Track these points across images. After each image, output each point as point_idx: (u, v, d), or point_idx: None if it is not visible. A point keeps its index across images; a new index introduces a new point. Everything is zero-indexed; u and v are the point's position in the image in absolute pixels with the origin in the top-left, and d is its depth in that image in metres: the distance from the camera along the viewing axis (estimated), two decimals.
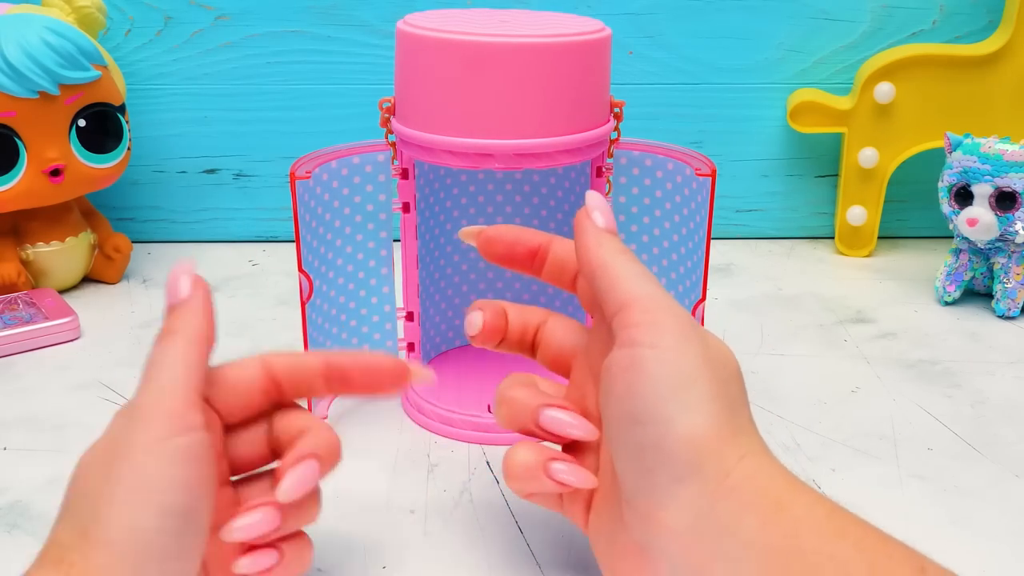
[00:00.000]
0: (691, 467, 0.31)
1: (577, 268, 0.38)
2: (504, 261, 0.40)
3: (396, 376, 0.37)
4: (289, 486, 0.34)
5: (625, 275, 0.34)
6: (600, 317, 0.36)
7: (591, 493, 0.36)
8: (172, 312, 0.35)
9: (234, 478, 0.37)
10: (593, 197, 0.37)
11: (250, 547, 0.35)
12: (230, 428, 0.36)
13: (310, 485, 0.34)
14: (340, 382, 0.37)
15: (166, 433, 0.31)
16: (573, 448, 0.37)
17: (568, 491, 0.36)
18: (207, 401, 0.35)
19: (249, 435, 0.37)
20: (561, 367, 0.40)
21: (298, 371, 0.37)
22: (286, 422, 0.37)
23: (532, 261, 0.40)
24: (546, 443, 0.37)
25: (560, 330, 0.40)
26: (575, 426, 0.36)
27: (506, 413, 0.38)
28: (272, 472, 0.37)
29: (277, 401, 0.37)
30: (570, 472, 0.35)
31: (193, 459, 0.32)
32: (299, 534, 0.37)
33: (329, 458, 0.35)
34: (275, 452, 0.37)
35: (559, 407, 0.37)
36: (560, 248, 0.39)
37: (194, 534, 0.32)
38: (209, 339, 0.35)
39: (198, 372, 0.33)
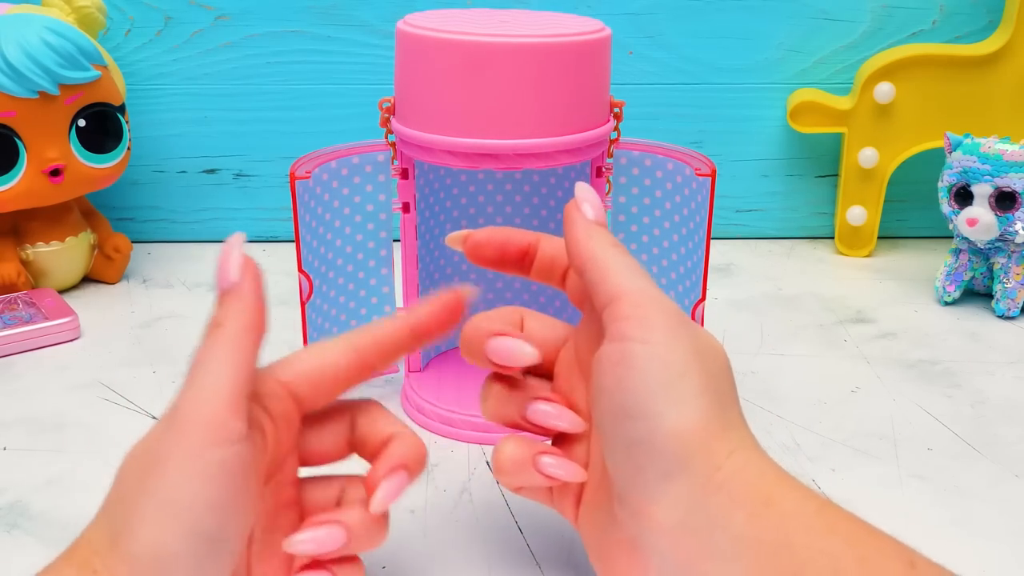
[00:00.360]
0: (680, 462, 0.31)
1: (566, 265, 0.38)
2: (494, 264, 0.39)
3: (456, 308, 0.37)
4: (382, 498, 0.33)
5: (615, 268, 0.34)
6: (590, 311, 0.36)
7: (581, 487, 0.36)
8: (220, 300, 0.33)
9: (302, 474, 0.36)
10: (583, 189, 0.37)
11: (303, 565, 0.35)
12: (308, 419, 0.35)
13: (399, 496, 0.34)
14: (425, 335, 0.37)
15: (202, 445, 0.30)
16: (562, 442, 0.37)
17: (557, 484, 0.36)
18: (286, 391, 0.34)
19: (328, 430, 0.36)
20: (543, 363, 0.39)
21: (390, 347, 0.36)
22: (372, 424, 0.36)
23: (522, 261, 0.39)
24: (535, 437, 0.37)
25: (539, 328, 0.39)
26: (561, 418, 0.36)
27: (492, 407, 0.38)
28: (340, 479, 0.36)
29: (366, 378, 0.36)
30: (558, 466, 0.35)
31: (229, 475, 0.30)
32: (354, 558, 0.36)
33: (417, 468, 0.35)
34: (354, 449, 0.36)
35: (545, 399, 0.37)
36: (548, 246, 0.39)
37: (223, 555, 0.31)
38: (259, 331, 0.33)
39: (244, 372, 0.32)
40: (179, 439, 0.30)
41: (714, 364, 0.33)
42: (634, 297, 0.33)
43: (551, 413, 0.36)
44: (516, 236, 0.39)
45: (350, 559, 0.36)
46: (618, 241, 0.36)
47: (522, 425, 0.37)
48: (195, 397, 0.31)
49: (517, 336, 0.36)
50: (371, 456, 0.36)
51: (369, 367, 0.35)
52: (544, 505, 0.38)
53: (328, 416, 0.36)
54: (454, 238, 0.39)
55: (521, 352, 0.36)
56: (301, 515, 0.36)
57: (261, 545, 0.34)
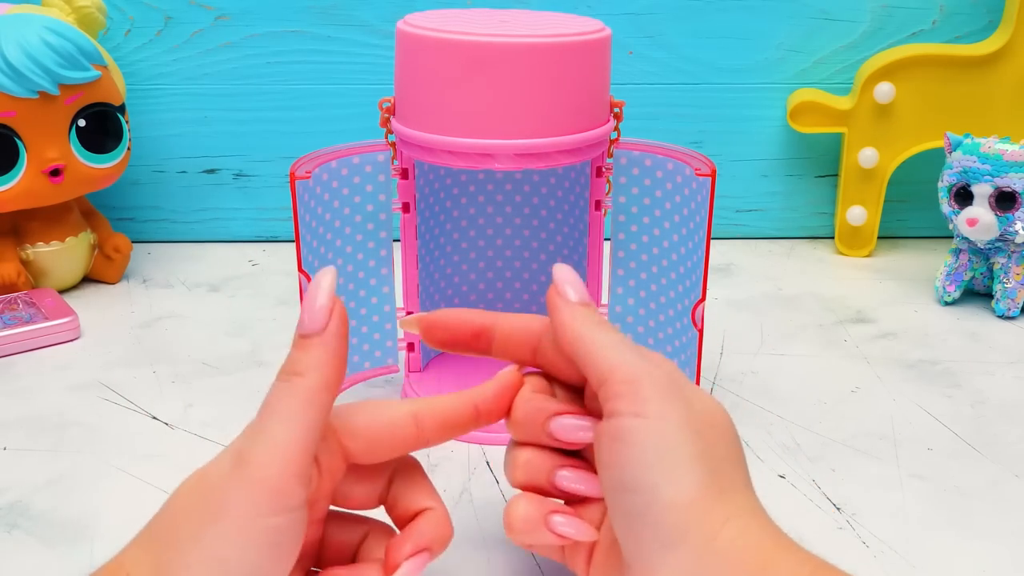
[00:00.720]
0: (678, 533, 0.31)
1: (533, 341, 0.37)
2: (447, 345, 0.38)
3: (516, 389, 0.37)
4: None
5: (602, 346, 0.34)
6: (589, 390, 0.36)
7: (593, 545, 0.36)
8: (302, 343, 0.32)
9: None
10: (561, 271, 0.36)
11: None
12: (351, 468, 0.35)
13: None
14: (486, 418, 0.36)
15: (266, 510, 0.30)
16: (576, 502, 0.37)
17: (569, 543, 0.36)
18: (338, 440, 0.34)
19: (367, 482, 0.36)
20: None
21: (451, 425, 0.35)
22: (410, 490, 0.36)
23: (477, 343, 0.38)
24: (549, 497, 0.37)
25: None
26: (581, 482, 0.36)
27: (522, 476, 0.37)
28: (365, 524, 0.36)
29: (418, 448, 0.35)
30: (570, 524, 0.35)
31: (283, 542, 0.30)
32: None
33: (440, 550, 0.35)
34: (383, 503, 0.36)
35: (570, 467, 0.36)
36: (507, 325, 0.38)
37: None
38: (336, 384, 0.32)
39: (316, 432, 0.31)
40: (244, 498, 0.30)
41: (711, 430, 0.33)
42: (622, 372, 0.33)
43: (572, 478, 0.36)
44: (467, 318, 0.38)
45: None
46: (603, 319, 0.35)
47: (546, 489, 0.37)
48: (265, 454, 0.30)
49: (578, 413, 0.36)
50: (398, 519, 0.36)
51: (424, 439, 0.35)
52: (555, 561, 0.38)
53: (371, 468, 0.36)
54: (408, 322, 0.39)
55: (583, 430, 0.36)
56: (320, 553, 0.36)
57: None
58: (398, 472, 0.36)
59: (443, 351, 0.39)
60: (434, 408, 0.35)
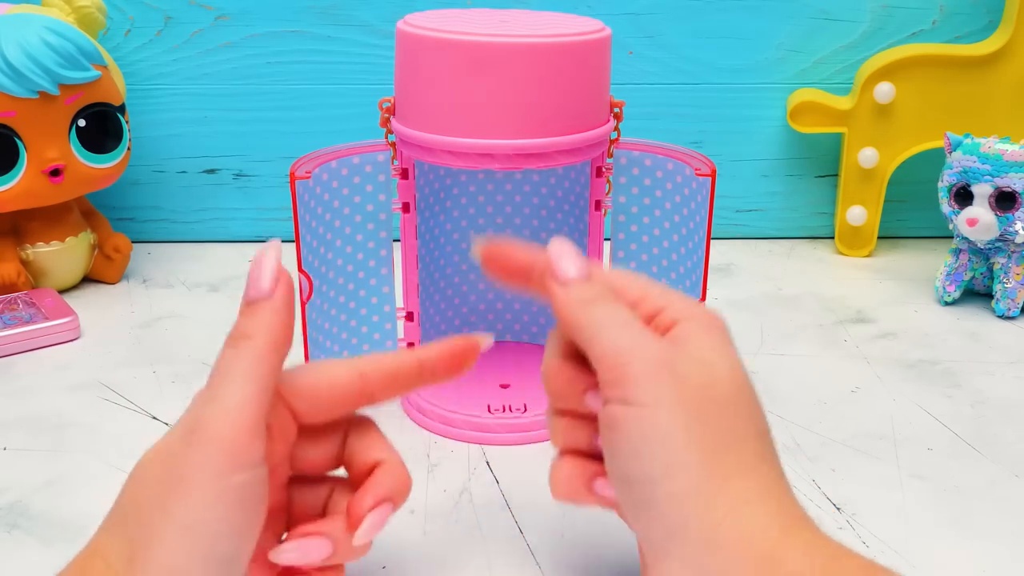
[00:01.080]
0: (680, 523, 0.30)
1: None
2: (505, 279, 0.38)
3: (468, 354, 0.36)
4: (366, 530, 0.34)
5: (594, 328, 0.33)
6: None
7: None
8: (248, 310, 0.33)
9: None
10: (555, 247, 0.35)
11: (285, 569, 0.35)
12: (304, 429, 0.35)
13: (383, 527, 0.34)
14: (430, 375, 0.36)
15: (226, 469, 0.30)
16: None
17: (613, 504, 0.36)
18: (285, 403, 0.34)
19: (321, 443, 0.36)
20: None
21: (394, 378, 0.35)
22: (363, 445, 0.36)
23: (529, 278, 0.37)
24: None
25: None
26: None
27: (562, 442, 0.37)
28: (328, 482, 0.36)
29: (364, 404, 0.35)
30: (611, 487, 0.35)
31: (248, 499, 0.30)
32: (337, 567, 0.36)
33: (402, 500, 0.35)
34: (342, 463, 0.36)
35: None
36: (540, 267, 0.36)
37: (235, 574, 0.31)
38: (285, 348, 0.33)
39: (267, 392, 0.31)
40: (202, 460, 0.30)
41: (712, 404, 0.31)
42: (611, 358, 0.32)
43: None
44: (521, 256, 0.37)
45: (333, 568, 0.36)
46: (600, 291, 0.34)
47: (588, 452, 0.37)
48: (218, 415, 0.30)
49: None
50: (356, 476, 0.36)
51: (369, 395, 0.35)
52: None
53: (323, 429, 0.36)
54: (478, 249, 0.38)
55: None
56: (289, 517, 0.36)
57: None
58: (351, 430, 0.36)
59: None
60: (378, 363, 0.35)
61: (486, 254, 0.37)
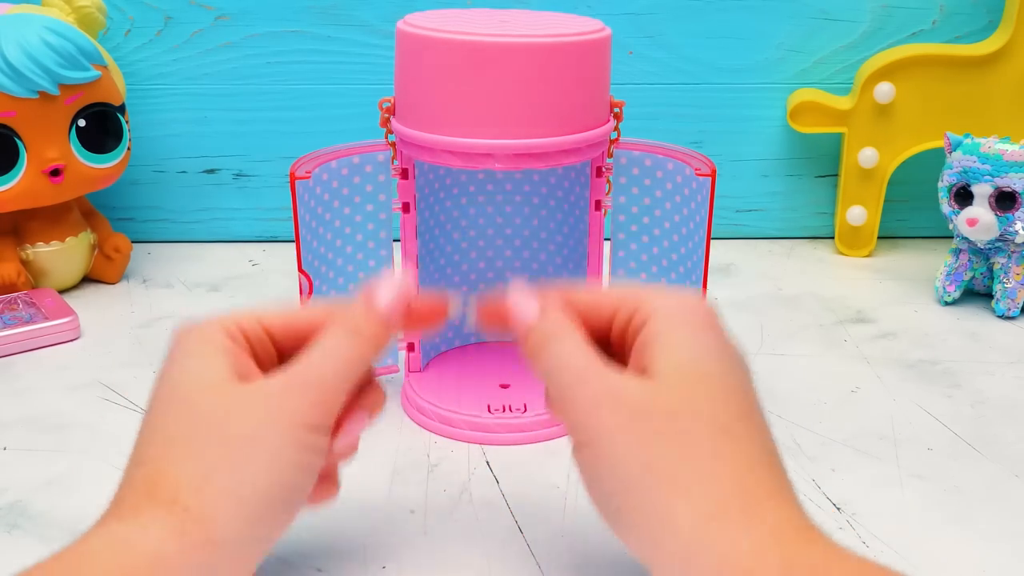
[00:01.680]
0: (652, 543, 0.31)
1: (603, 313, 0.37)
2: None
3: (436, 316, 0.38)
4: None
5: (545, 377, 0.34)
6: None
7: None
8: (369, 312, 0.35)
9: None
10: (512, 294, 0.36)
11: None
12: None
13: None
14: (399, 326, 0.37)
15: (293, 448, 0.32)
16: None
17: None
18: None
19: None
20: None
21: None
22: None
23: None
24: None
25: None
26: None
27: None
28: None
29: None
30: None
31: (314, 470, 0.34)
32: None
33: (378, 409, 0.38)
34: None
35: None
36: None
37: (292, 516, 0.34)
38: (378, 357, 0.35)
39: (352, 380, 0.34)
40: (299, 403, 0.33)
41: (653, 418, 0.31)
42: (558, 402, 0.33)
43: None
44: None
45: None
46: (549, 331, 0.34)
47: None
48: (325, 373, 0.33)
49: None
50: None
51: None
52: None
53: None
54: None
55: None
56: None
57: None
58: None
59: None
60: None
61: (481, 315, 0.38)
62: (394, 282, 0.36)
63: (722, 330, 0.34)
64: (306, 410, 0.33)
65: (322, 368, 0.33)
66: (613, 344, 0.36)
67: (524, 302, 0.36)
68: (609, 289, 0.37)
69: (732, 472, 0.30)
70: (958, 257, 0.67)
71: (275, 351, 0.36)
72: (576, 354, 0.33)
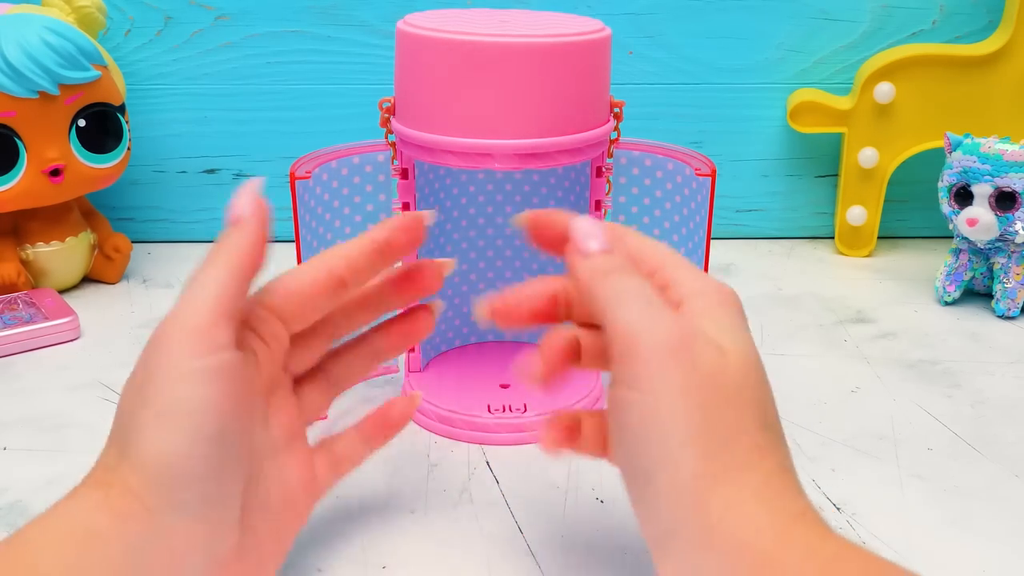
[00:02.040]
0: (676, 522, 0.30)
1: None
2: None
3: (416, 228, 0.38)
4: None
5: (607, 302, 0.32)
6: None
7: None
8: (224, 233, 0.35)
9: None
10: (579, 225, 0.35)
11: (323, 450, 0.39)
12: (297, 337, 0.38)
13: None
14: (389, 251, 0.38)
15: (190, 352, 0.31)
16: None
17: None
18: (271, 312, 0.36)
19: (314, 346, 0.39)
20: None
21: (356, 261, 0.37)
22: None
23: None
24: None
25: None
26: None
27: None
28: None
29: (340, 293, 0.38)
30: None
31: (222, 379, 0.32)
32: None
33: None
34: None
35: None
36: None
37: (231, 457, 0.32)
38: (255, 260, 0.35)
39: (232, 290, 0.33)
40: (167, 348, 0.32)
41: (717, 393, 0.31)
42: (623, 336, 0.31)
43: None
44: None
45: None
46: (622, 264, 0.34)
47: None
48: (182, 310, 0.33)
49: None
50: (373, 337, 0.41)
51: (343, 282, 0.37)
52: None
53: (312, 336, 0.39)
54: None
55: None
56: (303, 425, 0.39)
57: (285, 454, 0.36)
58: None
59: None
60: (338, 253, 0.37)
61: (530, 222, 0.38)
62: (242, 190, 0.36)
63: (747, 322, 0.34)
64: (181, 342, 0.32)
65: (201, 274, 0.33)
66: None
67: (592, 232, 0.35)
68: (651, 245, 0.36)
69: (769, 463, 0.31)
70: (958, 257, 0.67)
71: (282, 328, 0.36)
72: (647, 296, 0.32)
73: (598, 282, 0.33)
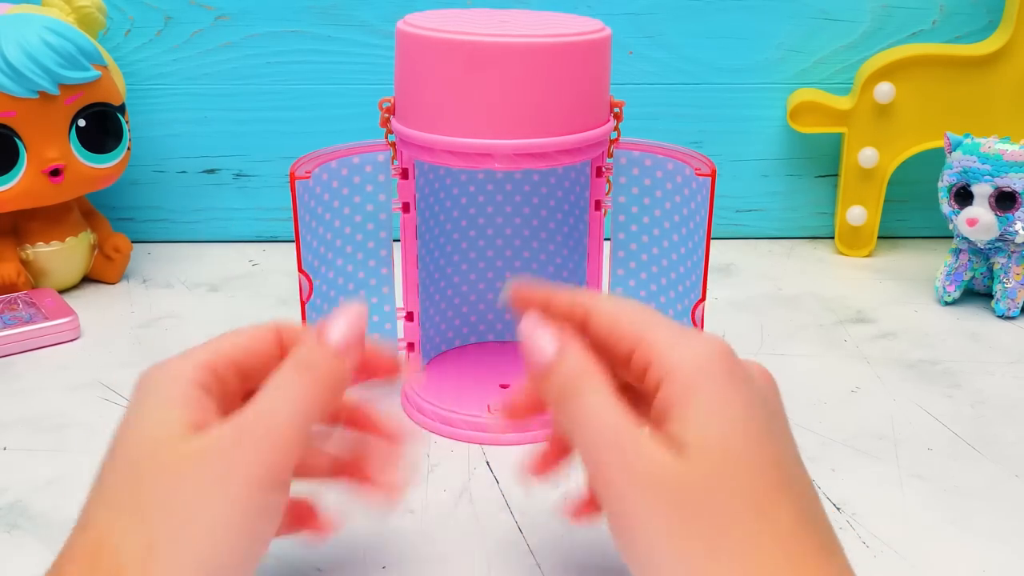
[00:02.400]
0: None
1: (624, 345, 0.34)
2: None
3: (388, 370, 0.37)
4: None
5: (572, 430, 0.32)
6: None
7: None
8: (321, 344, 0.33)
9: None
10: (525, 326, 0.34)
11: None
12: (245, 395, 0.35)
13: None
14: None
15: (271, 473, 0.30)
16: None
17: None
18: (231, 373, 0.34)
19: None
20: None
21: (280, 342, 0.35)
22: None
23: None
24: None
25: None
26: None
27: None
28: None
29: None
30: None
31: (274, 515, 0.31)
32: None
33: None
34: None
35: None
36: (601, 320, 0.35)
37: (257, 559, 0.32)
38: (340, 396, 0.34)
39: (311, 422, 0.32)
40: (252, 459, 0.30)
41: (687, 498, 0.29)
42: (591, 465, 0.31)
43: None
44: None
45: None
46: (574, 373, 0.32)
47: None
48: (274, 423, 0.31)
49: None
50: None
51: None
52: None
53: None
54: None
55: None
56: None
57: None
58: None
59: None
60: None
61: (514, 297, 0.37)
62: (347, 312, 0.34)
63: (743, 380, 0.32)
64: (256, 468, 0.30)
65: (273, 416, 0.31)
66: (631, 378, 0.34)
67: (540, 338, 0.33)
68: (622, 317, 0.34)
69: (773, 537, 0.29)
70: (958, 257, 0.67)
71: (248, 387, 0.34)
72: (606, 410, 0.31)
73: (561, 409, 0.32)
